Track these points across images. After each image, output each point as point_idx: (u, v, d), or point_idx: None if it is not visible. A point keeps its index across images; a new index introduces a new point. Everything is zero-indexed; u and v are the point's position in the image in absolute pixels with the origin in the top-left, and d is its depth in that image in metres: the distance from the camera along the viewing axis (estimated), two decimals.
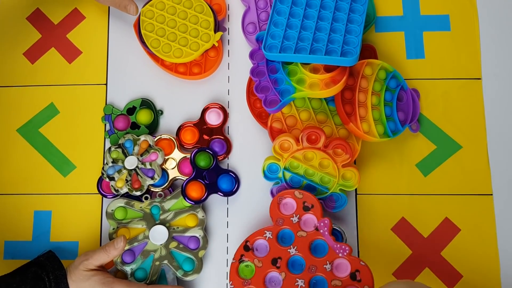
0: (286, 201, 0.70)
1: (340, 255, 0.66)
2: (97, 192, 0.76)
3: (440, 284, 0.72)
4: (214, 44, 0.77)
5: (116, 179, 0.73)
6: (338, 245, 0.67)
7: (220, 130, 0.77)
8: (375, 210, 0.74)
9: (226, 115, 0.77)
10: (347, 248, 0.67)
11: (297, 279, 0.66)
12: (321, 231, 0.68)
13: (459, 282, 0.72)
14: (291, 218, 0.69)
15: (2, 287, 0.64)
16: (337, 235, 0.71)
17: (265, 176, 0.73)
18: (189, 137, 0.76)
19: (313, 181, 0.72)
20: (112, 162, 0.74)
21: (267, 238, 0.69)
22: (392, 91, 0.75)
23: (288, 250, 0.68)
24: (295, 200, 0.70)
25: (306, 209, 0.69)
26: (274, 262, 0.68)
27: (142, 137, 0.75)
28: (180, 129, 0.77)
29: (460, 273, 0.72)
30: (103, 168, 0.75)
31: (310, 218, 0.69)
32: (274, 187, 0.74)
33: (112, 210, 0.73)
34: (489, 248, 0.73)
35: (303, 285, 0.66)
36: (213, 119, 0.77)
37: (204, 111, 0.77)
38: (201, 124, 0.77)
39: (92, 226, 0.76)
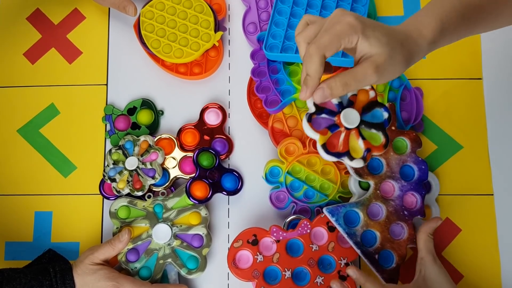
0: (238, 258, 0.69)
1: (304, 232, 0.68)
2: (98, 193, 0.76)
3: None
4: (214, 44, 0.77)
5: (117, 180, 0.73)
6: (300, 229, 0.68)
7: (220, 129, 0.77)
8: None
9: (225, 115, 0.77)
10: (308, 224, 0.68)
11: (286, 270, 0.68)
12: (281, 238, 0.68)
13: (460, 282, 0.72)
14: (257, 260, 0.68)
15: (5, 275, 0.64)
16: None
17: (266, 180, 0.73)
18: (190, 139, 0.76)
19: (313, 187, 0.72)
20: (113, 164, 0.74)
21: None
22: (395, 91, 0.75)
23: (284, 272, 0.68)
24: (240, 249, 0.68)
25: (254, 243, 0.68)
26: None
27: (142, 138, 0.75)
28: (180, 131, 0.77)
29: (461, 273, 0.72)
30: (104, 170, 0.75)
31: (265, 242, 0.69)
32: (273, 192, 0.73)
33: (115, 209, 0.73)
34: (490, 248, 0.73)
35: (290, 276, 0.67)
36: (212, 119, 0.77)
37: (202, 111, 0.77)
38: (200, 125, 0.77)
39: (93, 226, 0.76)
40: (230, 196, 0.76)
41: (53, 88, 0.81)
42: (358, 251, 0.66)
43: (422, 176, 0.69)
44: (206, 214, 0.73)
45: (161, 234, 0.71)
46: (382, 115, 0.58)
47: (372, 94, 0.58)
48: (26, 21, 0.84)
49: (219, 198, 0.76)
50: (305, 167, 0.72)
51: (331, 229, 0.68)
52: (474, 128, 0.77)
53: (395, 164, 0.69)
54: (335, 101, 0.56)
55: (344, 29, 0.51)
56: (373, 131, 0.56)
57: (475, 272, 0.72)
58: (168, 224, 0.72)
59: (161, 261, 0.71)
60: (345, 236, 0.66)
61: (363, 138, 0.55)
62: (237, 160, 0.77)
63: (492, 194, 0.74)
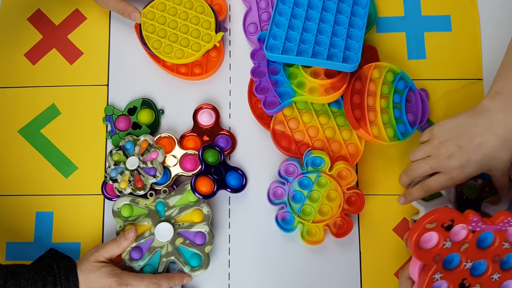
0: (424, 238, 0.60)
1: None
2: (99, 193, 0.76)
3: None
4: (215, 45, 0.77)
5: (119, 180, 0.73)
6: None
7: (218, 127, 0.77)
8: (377, 210, 0.74)
9: (218, 114, 0.77)
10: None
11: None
12: (478, 229, 0.60)
13: None
14: (444, 246, 0.59)
15: (9, 270, 0.65)
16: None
17: (270, 201, 0.73)
18: (192, 146, 0.77)
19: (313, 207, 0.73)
20: (114, 165, 0.74)
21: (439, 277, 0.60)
22: (400, 93, 0.75)
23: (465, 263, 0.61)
24: (429, 231, 0.59)
25: (448, 228, 0.59)
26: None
27: (142, 137, 0.75)
28: (182, 139, 0.77)
29: None
30: (105, 171, 0.75)
31: (456, 228, 0.60)
32: (280, 212, 0.73)
33: (118, 208, 0.73)
34: None
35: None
36: (205, 119, 0.77)
37: (195, 112, 0.77)
38: (197, 128, 0.77)
39: (94, 227, 0.76)
40: (231, 197, 0.76)
41: (54, 88, 0.81)
42: None
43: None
44: (208, 211, 0.73)
45: (164, 232, 0.72)
46: None
47: None
48: (27, 22, 0.84)
49: (220, 198, 0.76)
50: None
51: None
52: None
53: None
54: None
55: None
56: None
57: None
58: (170, 222, 0.72)
59: (164, 259, 0.71)
60: None
61: None
62: (238, 160, 0.77)
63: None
